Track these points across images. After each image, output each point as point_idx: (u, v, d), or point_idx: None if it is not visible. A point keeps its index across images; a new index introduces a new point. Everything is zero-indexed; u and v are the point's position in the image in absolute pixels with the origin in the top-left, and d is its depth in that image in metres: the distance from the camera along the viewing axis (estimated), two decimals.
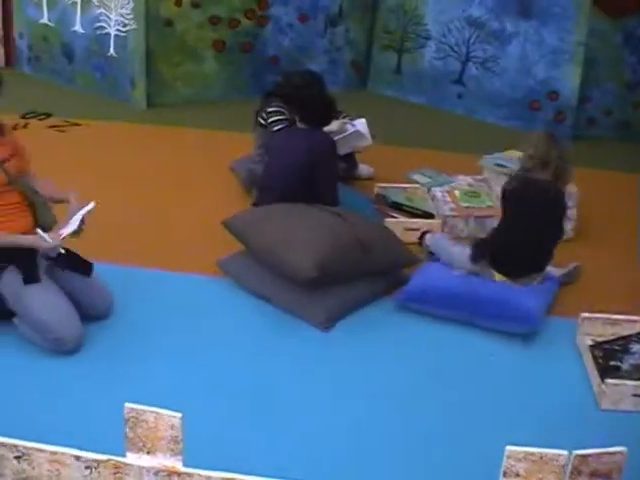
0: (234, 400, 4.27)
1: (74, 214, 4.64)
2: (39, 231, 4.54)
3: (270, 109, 6.40)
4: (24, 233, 4.61)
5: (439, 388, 4.49)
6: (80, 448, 2.35)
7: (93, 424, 3.94)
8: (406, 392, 4.43)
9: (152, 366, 4.50)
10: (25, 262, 4.57)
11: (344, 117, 6.58)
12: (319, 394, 4.37)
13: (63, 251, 4.58)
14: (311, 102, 5.73)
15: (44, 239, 4.49)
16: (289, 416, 4.18)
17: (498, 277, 5.12)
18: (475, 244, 5.21)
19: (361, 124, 6.57)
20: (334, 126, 6.21)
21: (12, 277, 4.54)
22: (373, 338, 4.89)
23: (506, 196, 5.18)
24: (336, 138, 6.00)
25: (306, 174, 5.49)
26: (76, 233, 4.62)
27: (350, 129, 6.45)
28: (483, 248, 5.16)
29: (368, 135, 6.60)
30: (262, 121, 6.45)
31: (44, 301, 4.51)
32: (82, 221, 4.63)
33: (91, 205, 4.67)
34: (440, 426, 4.16)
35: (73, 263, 4.78)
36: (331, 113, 6.02)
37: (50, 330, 4.46)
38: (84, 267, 4.81)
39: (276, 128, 6.25)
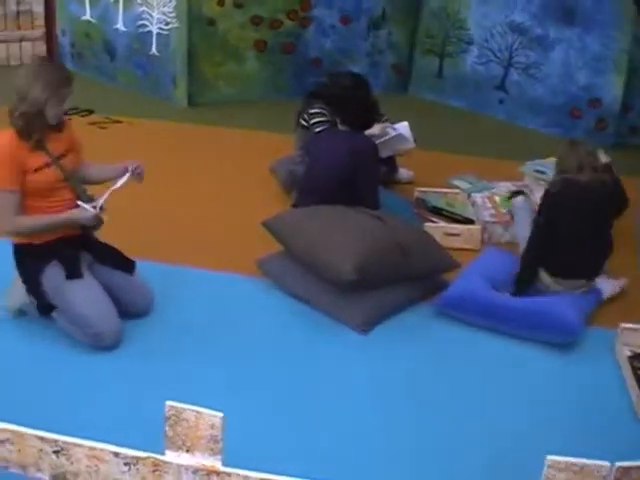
0: (271, 400, 4.27)
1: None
2: (80, 202, 4.61)
3: (312, 110, 6.38)
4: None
5: (476, 396, 4.45)
6: (118, 444, 2.35)
7: (131, 421, 3.96)
8: (442, 398, 4.41)
9: (190, 365, 4.51)
10: (68, 257, 4.61)
11: (385, 120, 6.54)
12: (356, 397, 4.35)
13: (105, 218, 4.62)
14: (356, 104, 5.71)
15: (85, 209, 4.56)
16: (326, 418, 4.18)
17: (547, 277, 5.10)
18: (517, 280, 5.19)
19: (403, 127, 6.53)
20: (376, 129, 6.17)
21: (55, 272, 4.57)
22: (410, 343, 4.87)
23: (549, 199, 5.14)
24: (378, 141, 5.98)
25: (347, 176, 5.48)
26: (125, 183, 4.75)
27: (392, 133, 6.41)
28: (526, 283, 5.17)
29: (410, 138, 6.56)
30: (304, 122, 6.44)
31: (85, 296, 4.54)
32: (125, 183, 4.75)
33: (125, 178, 4.77)
34: (477, 433, 4.13)
35: (115, 260, 4.83)
36: (374, 116, 6.00)
37: (90, 325, 4.49)
38: (126, 264, 4.86)
39: (318, 129, 6.23)
